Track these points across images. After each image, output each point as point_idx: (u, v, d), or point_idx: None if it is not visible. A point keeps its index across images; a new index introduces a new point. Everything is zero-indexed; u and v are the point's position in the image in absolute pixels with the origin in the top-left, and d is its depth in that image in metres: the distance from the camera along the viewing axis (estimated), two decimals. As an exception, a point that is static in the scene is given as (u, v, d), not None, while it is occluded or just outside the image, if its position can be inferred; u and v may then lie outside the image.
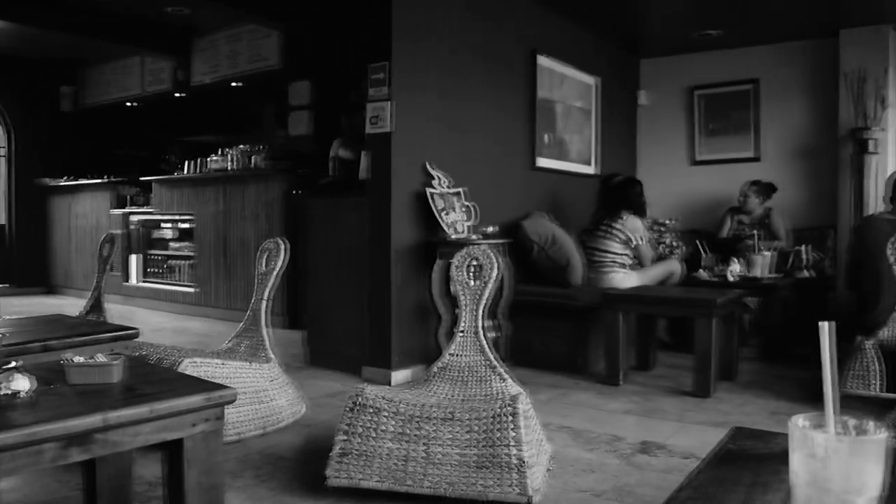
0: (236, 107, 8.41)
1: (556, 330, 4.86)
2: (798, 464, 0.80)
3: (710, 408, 3.93)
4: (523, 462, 2.38)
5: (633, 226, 5.06)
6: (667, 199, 6.50)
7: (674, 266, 5.32)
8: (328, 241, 4.83)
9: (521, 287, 4.93)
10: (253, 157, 6.98)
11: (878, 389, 3.65)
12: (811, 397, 3.98)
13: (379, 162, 4.46)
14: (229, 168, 7.13)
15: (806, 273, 5.55)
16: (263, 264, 3.54)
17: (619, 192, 5.22)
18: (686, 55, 7.26)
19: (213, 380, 1.98)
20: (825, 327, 0.81)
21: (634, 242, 5.04)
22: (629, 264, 5.10)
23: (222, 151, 7.37)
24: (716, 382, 4.21)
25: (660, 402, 4.02)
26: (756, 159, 6.98)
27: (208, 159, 7.41)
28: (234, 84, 7.75)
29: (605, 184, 5.36)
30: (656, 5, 5.97)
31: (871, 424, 0.82)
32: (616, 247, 5.04)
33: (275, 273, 3.45)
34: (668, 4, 5.90)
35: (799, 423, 0.82)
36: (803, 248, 5.63)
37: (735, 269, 5.24)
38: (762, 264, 5.31)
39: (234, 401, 1.80)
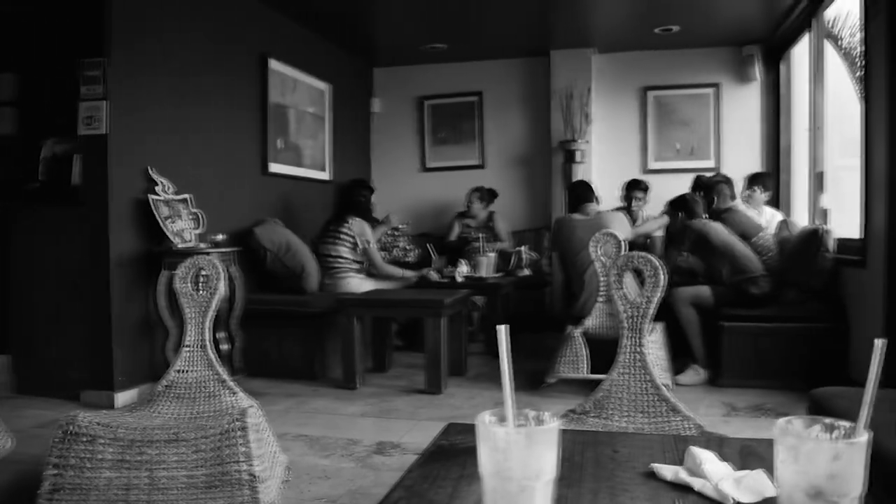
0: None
1: (293, 338, 4.81)
2: (484, 456, 0.86)
3: (442, 403, 4.13)
4: (255, 477, 2.32)
5: (359, 229, 5.14)
6: (399, 204, 6.72)
7: (410, 277, 5.50)
8: (37, 254, 4.34)
9: (255, 296, 4.83)
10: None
11: (585, 372, 4.15)
12: (531, 385, 4.35)
13: (94, 166, 4.11)
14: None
15: (526, 271, 6.03)
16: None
17: (344, 197, 5.28)
18: (417, 66, 7.55)
19: None
20: (501, 330, 0.88)
21: (361, 247, 5.13)
22: (364, 269, 5.19)
23: None
24: (447, 378, 4.43)
25: (395, 402, 4.15)
26: (480, 166, 7.46)
27: None
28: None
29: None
30: (384, 16, 6.13)
31: (546, 415, 0.90)
32: (346, 251, 5.10)
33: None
34: (395, 16, 6.10)
35: (485, 420, 0.88)
36: (523, 248, 6.11)
37: (462, 270, 5.54)
38: (487, 265, 5.67)
39: None
